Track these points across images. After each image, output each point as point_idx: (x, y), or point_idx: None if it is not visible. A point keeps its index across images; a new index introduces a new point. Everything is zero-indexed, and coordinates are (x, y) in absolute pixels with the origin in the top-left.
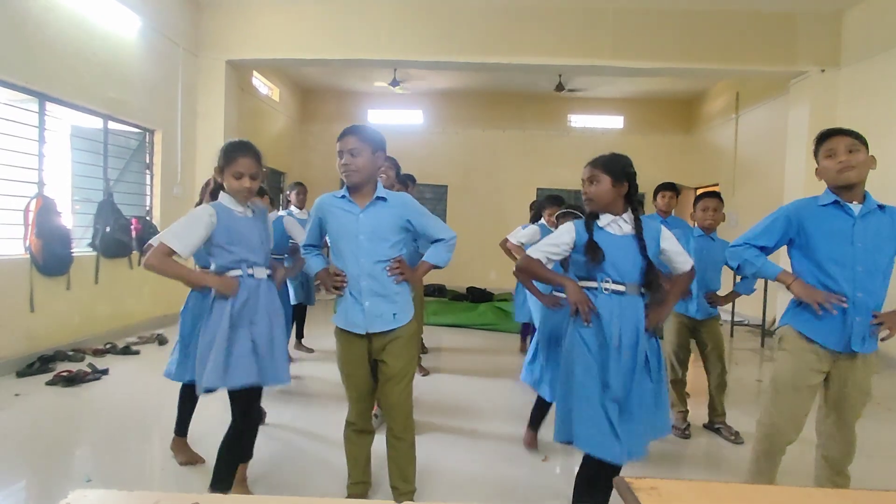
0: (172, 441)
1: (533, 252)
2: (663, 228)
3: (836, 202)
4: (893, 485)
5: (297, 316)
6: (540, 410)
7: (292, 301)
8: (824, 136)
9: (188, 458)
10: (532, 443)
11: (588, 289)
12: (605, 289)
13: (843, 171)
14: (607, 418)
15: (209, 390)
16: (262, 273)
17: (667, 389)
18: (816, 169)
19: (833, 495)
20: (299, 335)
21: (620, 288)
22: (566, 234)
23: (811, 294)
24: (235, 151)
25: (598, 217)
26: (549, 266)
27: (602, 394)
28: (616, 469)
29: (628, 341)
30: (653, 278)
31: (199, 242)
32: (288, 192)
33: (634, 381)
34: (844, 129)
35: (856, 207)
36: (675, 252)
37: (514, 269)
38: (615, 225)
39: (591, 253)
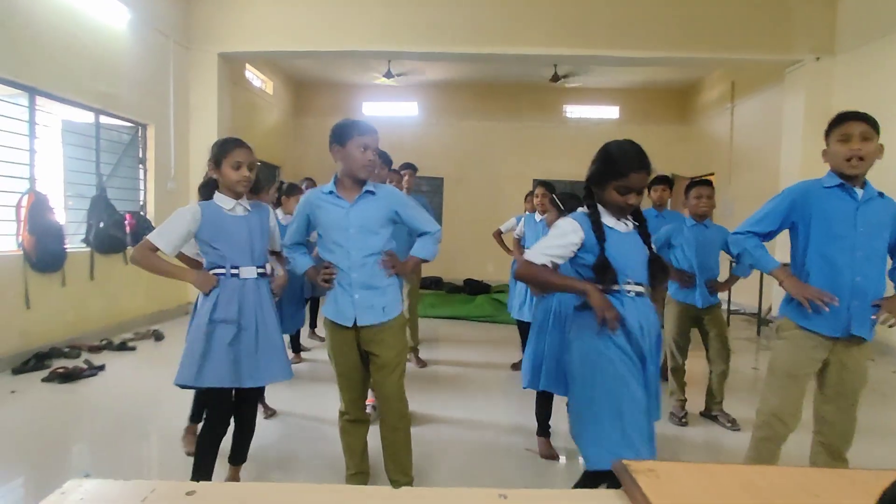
0: (185, 429)
1: (536, 257)
2: None
3: (840, 185)
4: (888, 465)
5: (311, 307)
6: (543, 408)
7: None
8: (841, 119)
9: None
10: (549, 451)
11: (608, 292)
12: (628, 291)
13: (852, 161)
14: (647, 423)
15: (183, 386)
16: (249, 273)
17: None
18: (824, 151)
19: (830, 474)
20: (312, 325)
21: (640, 289)
22: (573, 234)
23: (802, 291)
24: (231, 143)
25: (599, 216)
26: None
27: (639, 398)
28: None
29: (654, 346)
30: (658, 270)
31: (181, 240)
32: (303, 187)
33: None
34: (861, 113)
35: (858, 192)
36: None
37: (514, 272)
38: (621, 223)
39: (601, 274)
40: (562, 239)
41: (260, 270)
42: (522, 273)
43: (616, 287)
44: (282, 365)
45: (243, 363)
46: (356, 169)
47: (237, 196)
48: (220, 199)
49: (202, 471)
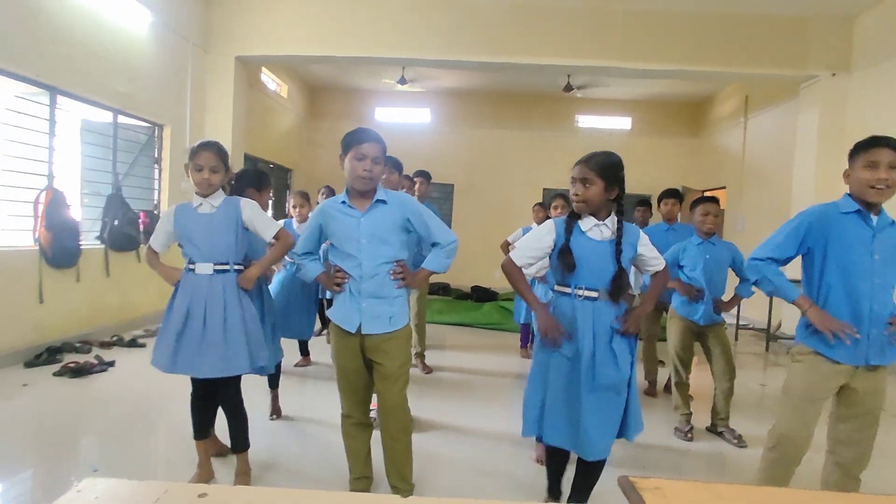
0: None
1: (518, 258)
2: (642, 234)
3: (857, 211)
4: None
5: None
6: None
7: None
8: (869, 144)
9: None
10: None
11: (563, 294)
12: (579, 295)
13: (878, 189)
14: (572, 414)
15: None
16: (204, 269)
17: (636, 386)
18: (846, 172)
19: (840, 499)
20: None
21: (593, 294)
22: (547, 237)
23: (826, 322)
24: (196, 147)
25: (579, 218)
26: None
27: (567, 392)
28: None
29: (601, 345)
30: (620, 286)
31: (166, 238)
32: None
33: (601, 377)
34: (891, 140)
35: (873, 219)
36: (651, 256)
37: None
38: (597, 230)
39: (562, 260)
40: (538, 241)
41: (218, 267)
42: (505, 267)
43: (569, 290)
44: (241, 361)
45: (181, 353)
46: (351, 179)
47: (203, 196)
48: (195, 197)
49: (194, 428)
